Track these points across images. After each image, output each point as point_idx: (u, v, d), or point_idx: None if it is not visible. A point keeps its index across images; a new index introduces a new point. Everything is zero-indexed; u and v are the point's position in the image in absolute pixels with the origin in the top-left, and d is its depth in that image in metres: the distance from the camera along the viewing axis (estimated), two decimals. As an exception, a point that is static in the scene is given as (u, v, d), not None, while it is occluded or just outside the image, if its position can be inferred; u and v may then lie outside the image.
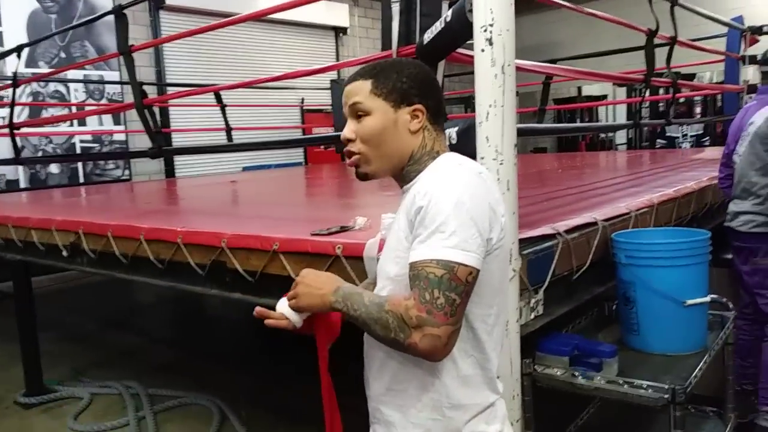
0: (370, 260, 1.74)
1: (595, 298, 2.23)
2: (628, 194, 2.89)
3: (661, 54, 3.68)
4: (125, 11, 3.28)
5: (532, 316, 1.80)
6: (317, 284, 1.20)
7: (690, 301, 1.98)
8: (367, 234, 1.91)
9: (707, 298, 2.05)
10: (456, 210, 1.06)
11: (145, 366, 4.20)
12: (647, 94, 4.13)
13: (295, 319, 1.26)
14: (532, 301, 1.78)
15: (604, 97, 10.56)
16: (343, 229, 2.05)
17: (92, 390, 3.78)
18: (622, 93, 10.24)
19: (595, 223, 2.15)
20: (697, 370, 1.85)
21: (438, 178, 1.13)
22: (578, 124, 10.09)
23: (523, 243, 1.76)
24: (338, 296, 1.16)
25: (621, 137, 10.62)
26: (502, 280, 1.20)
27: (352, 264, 1.83)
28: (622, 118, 10.26)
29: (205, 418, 3.31)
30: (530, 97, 8.73)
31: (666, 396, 1.68)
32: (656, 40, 3.57)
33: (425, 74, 1.24)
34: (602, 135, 10.82)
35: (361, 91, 1.20)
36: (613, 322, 2.24)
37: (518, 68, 2.62)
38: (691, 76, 8.50)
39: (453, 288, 1.04)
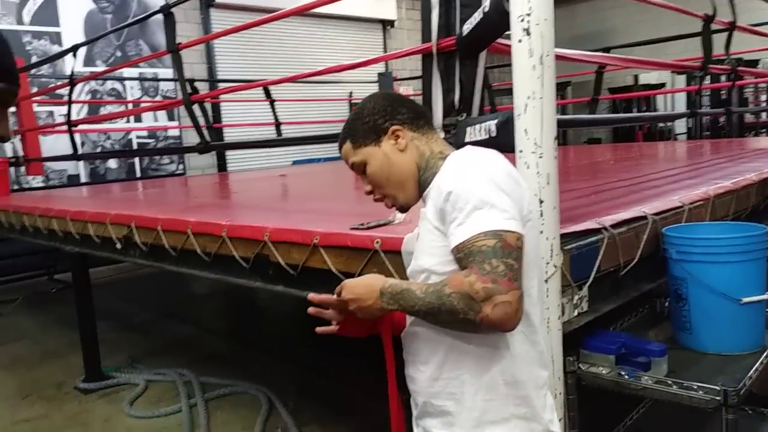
0: (408, 255, 1.72)
1: (645, 294, 2.15)
2: (682, 187, 2.77)
3: (721, 40, 3.52)
4: (173, 10, 3.34)
5: (576, 313, 1.75)
6: (360, 295, 1.21)
7: (746, 299, 1.88)
8: (405, 228, 1.89)
9: (765, 296, 1.95)
10: (487, 185, 1.10)
11: (197, 355, 4.31)
12: (706, 81, 3.95)
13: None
14: (576, 297, 1.73)
15: (662, 85, 10.17)
16: (382, 224, 2.04)
17: (147, 377, 3.91)
18: (681, 81, 9.84)
19: (644, 217, 2.07)
20: (752, 371, 1.76)
21: (459, 165, 1.18)
22: (624, 115, 9.74)
23: (566, 238, 1.71)
24: (385, 299, 1.18)
25: (681, 127, 10.21)
26: (536, 252, 1.23)
27: (390, 258, 1.83)
28: (682, 107, 9.86)
29: (254, 406, 3.38)
30: (584, 86, 8.49)
31: (718, 398, 1.61)
32: (715, 26, 3.42)
33: (384, 99, 1.31)
34: (660, 125, 10.43)
35: (348, 153, 1.32)
36: (665, 320, 2.15)
37: (565, 58, 2.56)
38: (754, 63, 8.10)
39: (508, 254, 1.07)
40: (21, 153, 5.91)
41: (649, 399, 2.30)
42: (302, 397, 3.48)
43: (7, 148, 6.10)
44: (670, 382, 1.69)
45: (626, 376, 1.73)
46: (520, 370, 1.18)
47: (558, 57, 2.36)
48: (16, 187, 6.66)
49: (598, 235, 1.81)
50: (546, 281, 1.55)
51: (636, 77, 10.60)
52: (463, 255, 1.09)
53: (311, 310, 1.32)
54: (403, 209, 1.33)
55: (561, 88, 10.98)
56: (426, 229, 1.21)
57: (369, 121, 1.28)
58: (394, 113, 1.28)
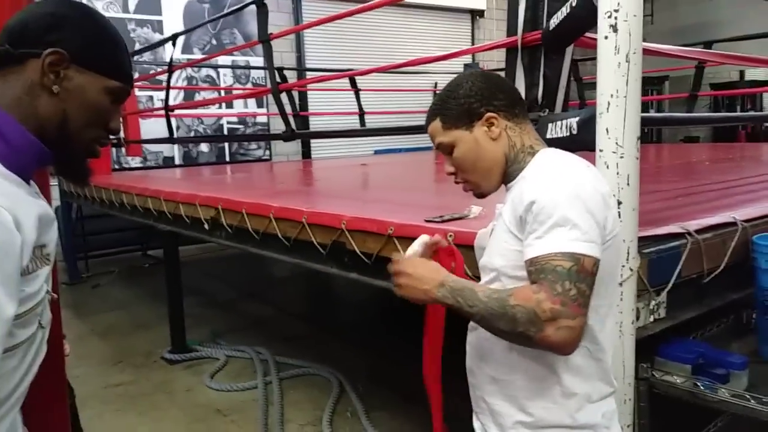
0: (481, 250, 1.72)
1: (730, 305, 2.05)
2: (781, 192, 2.61)
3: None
4: (266, 1, 3.45)
5: (652, 319, 1.70)
6: (419, 276, 1.17)
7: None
8: (480, 223, 1.90)
9: None
10: (572, 203, 1.06)
11: (274, 334, 4.48)
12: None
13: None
14: (653, 303, 1.68)
15: (771, 82, 9.51)
16: (457, 218, 2.05)
17: (227, 352, 4.11)
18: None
19: (734, 224, 1.97)
20: (843, 391, 1.65)
21: (548, 175, 1.12)
22: (717, 114, 9.09)
23: (646, 241, 1.66)
24: (444, 291, 1.14)
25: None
26: (613, 272, 1.19)
27: (462, 253, 1.83)
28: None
29: (325, 388, 3.48)
30: (683, 81, 8.07)
31: (802, 417, 1.52)
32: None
33: (483, 81, 1.23)
34: (766, 125, 9.76)
35: (437, 132, 1.26)
36: (750, 332, 2.05)
37: (658, 53, 2.46)
38: None
39: (582, 279, 1.04)
40: (122, 135, 6.30)
41: (727, 413, 2.19)
42: (372, 382, 3.56)
43: (111, 129, 6.51)
44: (748, 397, 1.62)
45: (702, 388, 1.66)
46: (578, 383, 1.16)
47: (651, 52, 2.29)
48: (116, 166, 7.11)
49: (680, 239, 1.75)
50: (621, 284, 1.51)
51: (742, 73, 9.97)
52: (535, 270, 1.06)
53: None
54: (482, 196, 1.29)
55: (658, 82, 10.50)
56: (501, 229, 1.19)
57: (464, 103, 1.21)
58: (491, 98, 1.21)
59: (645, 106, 10.00)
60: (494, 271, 1.20)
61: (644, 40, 1.47)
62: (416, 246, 1.30)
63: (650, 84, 10.40)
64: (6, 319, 0.86)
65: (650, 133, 10.32)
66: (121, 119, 1.08)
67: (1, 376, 0.92)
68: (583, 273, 1.04)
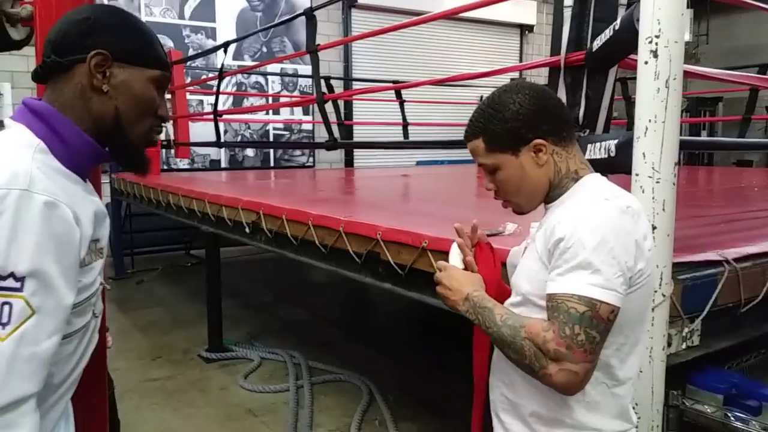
0: (513, 267, 1.73)
1: (769, 336, 2.01)
2: (830, 223, 2.53)
3: None
4: (315, 13, 3.54)
5: (684, 346, 1.68)
6: (450, 286, 1.23)
7: None
8: (514, 240, 1.91)
9: None
10: (600, 247, 1.04)
11: (308, 339, 4.54)
12: None
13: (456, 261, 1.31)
14: (685, 330, 1.66)
15: (830, 107, 9.16)
16: (492, 234, 2.06)
17: (262, 354, 4.18)
18: None
19: (775, 253, 1.93)
20: None
21: (582, 212, 1.09)
22: (759, 140, 8.73)
23: (681, 267, 1.65)
24: (468, 306, 1.18)
25: None
26: (642, 312, 1.17)
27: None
28: None
29: (355, 396, 3.51)
30: (738, 103, 7.86)
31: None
32: None
33: (531, 103, 1.16)
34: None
35: (479, 151, 1.22)
36: (790, 365, 2.00)
37: (704, 76, 2.43)
38: None
39: (594, 325, 1.03)
40: (172, 137, 6.50)
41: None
42: (401, 393, 3.57)
43: (161, 131, 6.74)
44: (781, 432, 1.58)
45: (733, 419, 1.63)
46: (590, 417, 1.15)
47: (692, 74, 2.26)
48: (165, 167, 7.33)
49: (717, 267, 1.73)
50: (653, 309, 1.51)
51: (800, 96, 9.65)
52: (551, 306, 1.07)
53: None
54: (522, 213, 1.27)
55: (712, 103, 10.25)
56: (532, 255, 1.18)
57: (511, 128, 1.16)
58: (540, 123, 1.16)
59: (696, 128, 9.82)
60: (521, 295, 1.21)
61: (698, 60, 1.47)
62: (455, 255, 1.32)
63: (703, 105, 10.17)
64: (66, 307, 0.94)
65: (701, 155, 10.08)
66: (168, 106, 1.16)
67: (59, 362, 0.99)
68: (596, 319, 1.03)
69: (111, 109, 1.04)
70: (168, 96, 6.45)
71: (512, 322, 1.11)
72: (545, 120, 1.16)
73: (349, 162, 9.18)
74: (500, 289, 1.33)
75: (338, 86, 8.12)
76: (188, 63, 6.79)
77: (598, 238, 1.04)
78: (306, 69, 8.32)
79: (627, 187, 1.49)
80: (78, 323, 1.01)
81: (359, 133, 8.77)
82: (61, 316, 0.93)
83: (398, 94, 6.87)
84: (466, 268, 1.29)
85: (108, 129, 1.05)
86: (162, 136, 6.63)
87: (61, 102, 1.03)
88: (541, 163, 1.17)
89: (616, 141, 1.72)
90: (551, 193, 1.21)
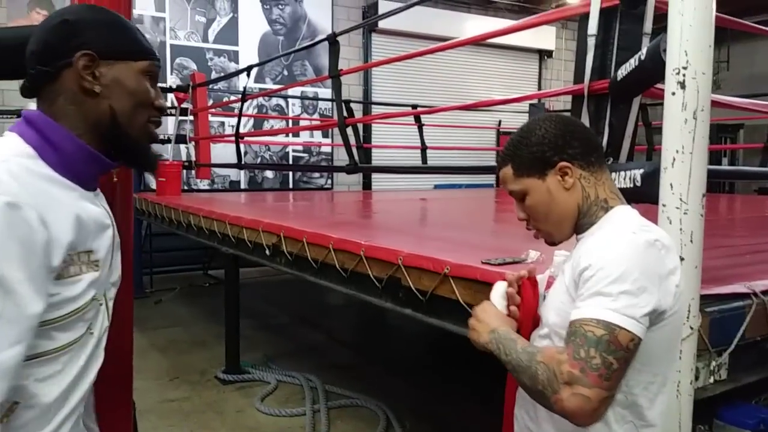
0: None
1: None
2: None
3: None
4: (338, 38, 3.59)
5: (712, 380, 1.65)
6: (481, 318, 1.22)
7: None
8: (538, 269, 1.90)
9: None
10: (623, 277, 1.03)
11: (325, 362, 4.53)
12: None
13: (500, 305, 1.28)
14: (713, 363, 1.63)
15: None
16: (515, 261, 2.05)
17: (278, 377, 4.17)
18: None
19: (805, 286, 1.89)
20: None
21: (609, 244, 1.08)
22: None
23: (708, 300, 1.63)
24: (492, 338, 1.17)
25: None
26: (670, 350, 1.14)
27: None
28: None
29: (372, 421, 3.49)
30: (759, 130, 7.78)
31: None
32: None
33: (557, 128, 1.18)
34: None
35: (508, 178, 1.23)
36: (820, 400, 1.95)
37: (729, 105, 2.42)
38: None
39: (612, 351, 1.01)
40: (193, 158, 6.59)
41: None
42: (418, 418, 3.54)
43: (182, 152, 6.82)
44: (813, 471, 1.54)
45: (763, 457, 1.60)
46: None
47: (720, 104, 2.25)
48: (185, 187, 7.42)
49: (745, 300, 1.70)
50: (681, 342, 1.48)
51: (822, 124, 9.55)
52: (569, 332, 1.06)
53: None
54: (553, 244, 1.27)
55: (732, 130, 10.18)
56: (561, 287, 1.17)
57: (537, 151, 1.17)
58: (565, 146, 1.17)
59: (717, 155, 9.73)
60: (548, 327, 1.19)
61: (719, 86, 1.47)
62: (497, 293, 1.29)
63: (724, 132, 10.10)
64: (31, 316, 0.88)
65: (722, 183, 9.99)
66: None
67: (45, 381, 0.95)
68: (614, 345, 1.00)
69: (106, 110, 1.02)
70: (190, 117, 6.57)
71: (531, 349, 1.10)
72: (570, 144, 1.17)
73: (367, 185, 9.22)
74: (537, 323, 1.33)
75: (357, 109, 8.20)
76: (211, 86, 6.89)
77: (622, 269, 1.03)
78: (326, 92, 8.42)
79: (654, 216, 1.49)
80: (62, 339, 0.96)
81: (377, 156, 8.82)
82: (24, 325, 0.87)
83: (417, 118, 6.92)
84: (508, 302, 1.27)
85: (107, 130, 1.02)
86: (183, 157, 6.73)
87: (54, 111, 1.01)
88: (568, 186, 1.17)
89: (641, 170, 1.71)
90: (581, 221, 1.20)
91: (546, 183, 1.18)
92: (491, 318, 1.22)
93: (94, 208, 1.02)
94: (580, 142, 1.19)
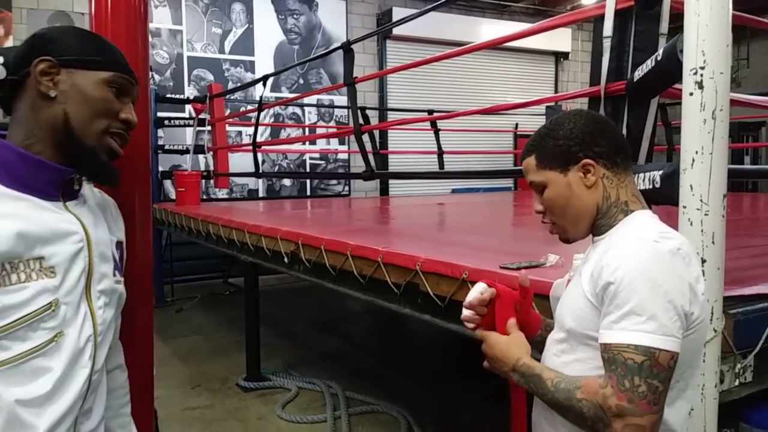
0: (556, 300, 1.71)
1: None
2: None
3: None
4: (352, 46, 3.61)
5: (737, 383, 1.62)
6: (496, 358, 1.22)
7: None
8: (557, 272, 1.89)
9: None
10: (652, 292, 1.00)
11: (344, 368, 4.53)
12: None
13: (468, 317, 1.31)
14: (738, 366, 1.61)
15: None
16: (533, 266, 2.04)
17: (299, 384, 4.17)
18: None
19: (831, 286, 1.86)
20: None
21: (631, 254, 1.05)
22: None
23: (732, 301, 1.60)
24: (517, 377, 1.17)
25: None
26: (693, 357, 1.13)
27: (537, 302, 1.82)
28: None
29: (393, 427, 3.48)
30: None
31: None
32: None
33: (586, 124, 1.17)
34: None
35: (530, 169, 1.22)
36: None
37: (750, 104, 2.39)
38: None
39: (655, 375, 0.99)
40: (212, 167, 6.65)
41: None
42: (439, 424, 3.53)
43: (200, 162, 6.90)
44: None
45: (792, 461, 1.57)
46: None
47: (739, 103, 2.23)
48: (204, 197, 7.49)
49: (770, 301, 1.67)
50: (704, 345, 1.46)
51: None
52: (607, 358, 1.03)
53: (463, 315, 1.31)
54: (567, 242, 1.25)
55: (754, 128, 10.04)
56: (577, 290, 1.15)
57: (562, 145, 1.17)
58: (592, 144, 1.15)
59: (739, 154, 9.58)
60: (565, 331, 1.18)
61: (739, 84, 1.45)
62: (474, 294, 1.30)
63: (746, 130, 9.96)
64: None
65: (744, 182, 9.84)
66: (133, 111, 1.12)
67: (10, 387, 0.94)
68: (656, 368, 0.99)
69: (60, 114, 1.02)
70: (208, 127, 6.64)
71: (565, 385, 1.08)
72: (597, 142, 1.16)
73: (384, 190, 9.23)
74: (528, 320, 1.33)
75: (373, 116, 8.22)
76: (228, 96, 6.96)
77: (651, 282, 1.01)
78: (341, 99, 8.46)
79: (674, 218, 1.47)
80: (16, 348, 0.95)
81: (394, 162, 8.83)
82: None
83: (433, 123, 6.92)
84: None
85: (60, 136, 1.03)
86: (202, 167, 6.79)
87: (17, 119, 1.04)
88: (589, 184, 1.16)
89: (660, 172, 1.69)
90: (599, 222, 1.18)
91: (567, 178, 1.17)
92: (503, 353, 1.20)
93: (51, 215, 1.02)
94: (608, 141, 1.17)
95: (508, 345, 1.21)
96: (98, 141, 1.06)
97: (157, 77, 7.50)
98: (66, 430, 1.02)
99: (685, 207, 1.46)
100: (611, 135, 1.20)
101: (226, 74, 7.94)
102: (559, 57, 10.63)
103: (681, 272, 1.03)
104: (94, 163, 1.07)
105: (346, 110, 8.54)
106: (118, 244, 1.20)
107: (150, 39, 6.43)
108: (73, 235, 1.04)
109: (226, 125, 7.01)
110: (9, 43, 6.73)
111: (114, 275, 1.14)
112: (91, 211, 1.12)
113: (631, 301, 1.01)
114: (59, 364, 1.00)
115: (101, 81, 1.06)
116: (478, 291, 1.28)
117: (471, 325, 1.31)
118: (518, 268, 2.02)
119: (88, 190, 1.15)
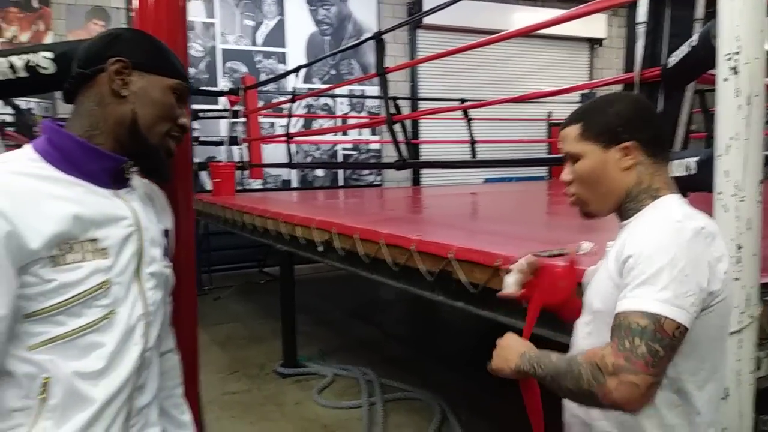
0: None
1: None
2: None
3: None
4: (383, 36, 3.63)
5: (774, 370, 1.62)
6: (507, 349, 1.27)
7: None
8: (589, 260, 1.89)
9: None
10: (669, 266, 1.02)
11: (379, 356, 4.59)
12: None
13: (510, 283, 1.41)
14: (775, 352, 1.60)
15: None
16: (566, 253, 2.05)
17: (335, 370, 4.26)
18: None
19: None
20: None
21: (654, 232, 1.08)
22: None
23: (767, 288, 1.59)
24: (524, 359, 1.20)
25: None
26: (718, 336, 1.14)
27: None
28: None
29: (427, 414, 3.52)
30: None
31: None
32: None
33: (636, 108, 1.20)
34: None
35: (570, 137, 1.23)
36: None
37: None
38: None
39: (658, 340, 1.01)
40: (246, 159, 6.76)
41: None
42: (473, 411, 3.55)
43: (235, 154, 7.01)
44: None
45: (830, 448, 1.55)
46: None
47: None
48: (239, 187, 7.61)
49: (808, 287, 1.65)
50: (740, 331, 1.46)
51: None
52: (615, 325, 1.05)
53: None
54: (587, 216, 1.26)
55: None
56: (605, 272, 1.18)
57: (611, 122, 1.18)
58: (638, 129, 1.17)
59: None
60: (592, 313, 1.20)
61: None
62: (510, 279, 1.36)
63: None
64: None
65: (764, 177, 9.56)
66: (189, 116, 1.20)
67: (67, 360, 1.01)
68: (660, 333, 1.00)
69: (128, 112, 1.09)
70: (242, 119, 6.74)
71: (568, 355, 1.12)
72: (643, 128, 1.18)
73: (416, 180, 9.24)
74: (572, 302, 1.36)
75: (405, 106, 8.22)
76: (260, 87, 7.05)
77: (670, 256, 1.03)
78: (373, 90, 8.47)
79: (709, 205, 1.47)
80: (72, 324, 1.01)
81: (425, 151, 8.82)
82: None
83: (465, 113, 6.89)
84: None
85: (126, 132, 1.09)
86: (237, 158, 6.91)
87: (81, 111, 1.10)
88: (625, 166, 1.18)
89: (696, 158, 1.68)
90: (627, 205, 1.20)
91: (606, 155, 1.18)
92: (518, 346, 1.25)
93: (104, 201, 1.07)
94: (654, 130, 1.20)
95: (517, 340, 1.27)
96: (160, 142, 1.14)
97: (192, 70, 7.64)
98: (122, 403, 1.08)
99: (720, 193, 1.45)
100: (657, 125, 1.23)
101: (258, 66, 8.03)
102: (594, 44, 10.44)
103: (700, 250, 1.05)
104: (155, 161, 1.15)
105: (377, 100, 8.56)
106: (165, 232, 1.26)
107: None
108: (124, 220, 1.10)
109: (260, 117, 7.10)
110: (49, 38, 6.92)
111: (162, 260, 1.21)
112: (140, 200, 1.18)
113: (646, 273, 1.03)
114: (112, 340, 1.06)
115: (167, 87, 1.14)
116: (525, 259, 1.38)
117: (511, 290, 1.39)
118: (550, 256, 2.02)
119: (137, 180, 1.22)
